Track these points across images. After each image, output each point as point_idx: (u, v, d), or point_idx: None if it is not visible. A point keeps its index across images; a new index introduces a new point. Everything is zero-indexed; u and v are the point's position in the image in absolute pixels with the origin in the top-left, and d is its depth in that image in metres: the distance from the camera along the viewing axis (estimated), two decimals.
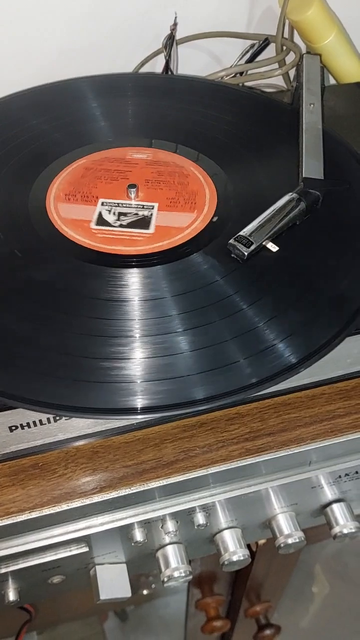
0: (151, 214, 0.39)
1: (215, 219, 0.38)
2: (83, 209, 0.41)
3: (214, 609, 0.68)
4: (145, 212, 0.40)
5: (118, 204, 0.41)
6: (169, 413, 0.29)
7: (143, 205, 0.40)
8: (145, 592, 0.76)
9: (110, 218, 0.39)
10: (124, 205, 0.40)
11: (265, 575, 0.63)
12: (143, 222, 0.39)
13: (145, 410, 0.29)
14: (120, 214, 0.40)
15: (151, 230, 0.39)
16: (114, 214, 0.40)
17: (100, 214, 0.40)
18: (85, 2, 0.58)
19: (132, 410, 0.29)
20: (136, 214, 0.39)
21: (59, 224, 0.39)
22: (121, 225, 0.39)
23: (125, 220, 0.39)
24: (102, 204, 0.41)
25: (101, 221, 0.39)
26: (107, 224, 0.39)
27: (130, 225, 0.39)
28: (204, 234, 0.38)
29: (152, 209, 0.40)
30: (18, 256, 0.36)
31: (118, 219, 0.39)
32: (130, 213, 0.40)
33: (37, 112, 0.49)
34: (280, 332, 0.33)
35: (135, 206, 0.40)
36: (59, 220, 0.39)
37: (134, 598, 0.81)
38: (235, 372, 0.31)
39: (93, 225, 0.39)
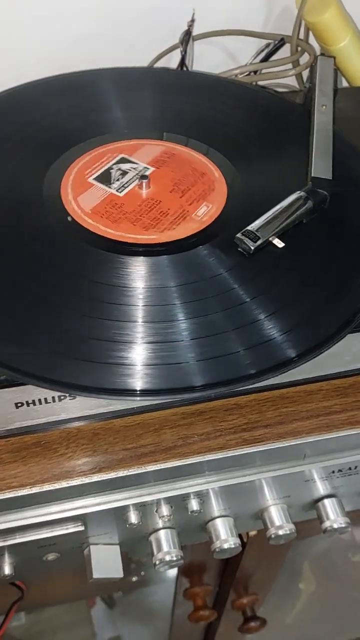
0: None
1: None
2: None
3: (201, 598, 0.69)
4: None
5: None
6: (167, 397, 0.30)
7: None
8: (134, 578, 0.77)
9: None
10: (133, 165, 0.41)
11: (254, 568, 0.64)
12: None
13: (145, 392, 0.30)
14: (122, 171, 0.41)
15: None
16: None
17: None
18: None
19: (132, 392, 0.30)
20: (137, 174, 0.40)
21: (79, 214, 0.40)
22: (119, 181, 0.39)
23: (125, 177, 0.40)
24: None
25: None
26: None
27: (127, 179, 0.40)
28: (210, 228, 0.39)
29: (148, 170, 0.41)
30: (29, 232, 0.37)
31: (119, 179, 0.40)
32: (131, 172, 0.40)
33: (56, 99, 0.50)
34: (280, 326, 0.34)
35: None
36: (78, 209, 0.40)
37: (123, 585, 0.82)
38: (235, 362, 0.32)
39: (91, 179, 0.40)
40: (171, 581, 0.76)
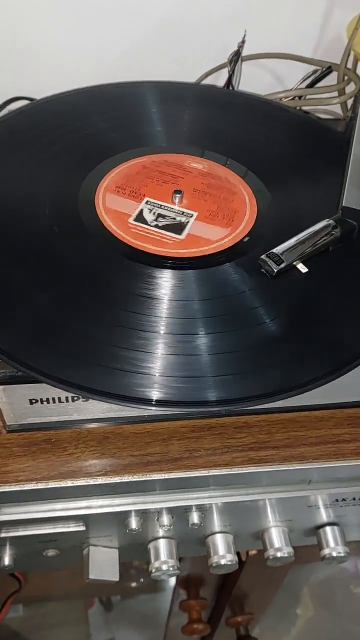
0: (187, 222, 0.41)
1: (246, 239, 0.40)
2: (128, 203, 0.42)
3: (196, 611, 0.69)
4: (183, 219, 0.41)
5: (161, 205, 0.43)
6: (180, 410, 0.31)
7: (183, 212, 0.42)
8: (133, 584, 0.78)
9: (149, 217, 0.41)
10: (166, 208, 0.42)
11: (251, 587, 0.64)
12: (177, 227, 0.41)
13: (159, 403, 0.31)
14: (159, 215, 0.41)
15: (182, 236, 0.40)
16: (153, 214, 0.42)
17: (141, 211, 0.42)
18: (160, 8, 0.60)
19: (147, 401, 0.31)
20: (174, 218, 0.41)
21: (101, 211, 0.41)
22: (156, 226, 0.40)
23: (162, 222, 0.41)
24: (146, 202, 0.43)
25: (140, 218, 0.41)
26: (144, 221, 0.41)
27: (165, 227, 0.41)
28: (231, 250, 0.40)
29: (191, 217, 0.42)
30: (56, 233, 0.38)
31: (155, 219, 0.41)
32: (168, 216, 0.41)
33: (101, 109, 0.51)
34: (296, 350, 0.34)
35: (176, 211, 0.42)
36: (103, 209, 0.41)
37: (121, 589, 0.82)
38: (249, 381, 0.32)
39: (131, 220, 0.41)
40: (169, 591, 0.76)
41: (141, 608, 0.89)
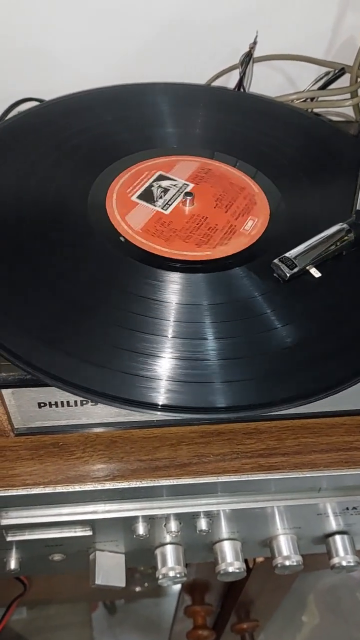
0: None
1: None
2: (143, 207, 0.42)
3: (202, 617, 0.69)
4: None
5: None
6: (187, 415, 0.30)
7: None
8: (137, 589, 0.77)
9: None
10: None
11: (257, 594, 0.63)
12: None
13: (165, 407, 0.30)
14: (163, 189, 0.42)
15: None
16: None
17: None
18: (170, 9, 0.59)
19: (153, 406, 0.31)
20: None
21: (131, 234, 0.41)
22: (162, 199, 0.40)
23: (167, 194, 0.41)
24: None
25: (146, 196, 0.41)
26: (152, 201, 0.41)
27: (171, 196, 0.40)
28: (250, 250, 0.39)
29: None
30: (68, 241, 0.38)
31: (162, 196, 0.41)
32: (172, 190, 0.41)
33: (111, 110, 0.51)
34: (308, 358, 0.33)
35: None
36: (128, 229, 0.41)
37: (126, 593, 0.82)
38: (258, 388, 0.32)
39: (134, 198, 0.41)
40: (174, 596, 0.75)
41: (145, 612, 0.88)
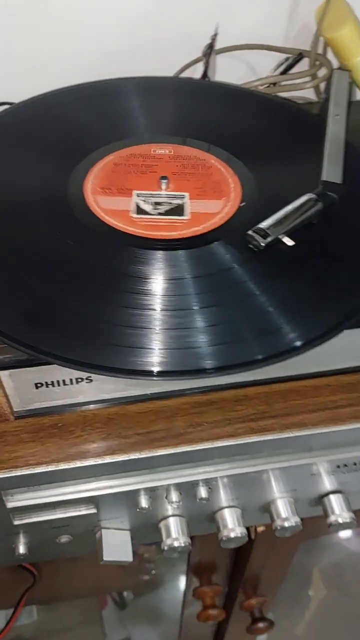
0: (184, 202, 0.43)
1: (243, 204, 0.41)
2: (120, 200, 0.44)
3: (210, 597, 0.70)
4: (179, 201, 0.43)
5: (152, 194, 0.44)
6: (180, 378, 0.32)
7: (175, 195, 0.43)
8: (145, 577, 0.79)
9: (147, 207, 0.42)
10: (157, 196, 0.44)
11: (261, 567, 0.65)
12: (178, 210, 0.42)
13: (161, 373, 0.32)
14: (155, 203, 0.43)
15: (187, 216, 0.42)
16: (150, 203, 0.43)
17: (137, 205, 0.43)
18: (135, 8, 0.61)
19: (149, 373, 0.32)
20: (170, 203, 0.43)
21: (102, 214, 0.42)
22: (159, 214, 0.42)
23: (162, 209, 0.42)
24: (137, 195, 0.44)
25: (140, 211, 0.42)
26: (146, 213, 0.42)
27: (168, 213, 0.42)
28: (234, 220, 0.41)
29: (184, 198, 0.43)
30: (70, 245, 0.39)
31: (155, 208, 0.42)
32: (164, 202, 0.43)
33: (81, 107, 0.52)
34: (287, 316, 0.35)
35: (167, 196, 0.43)
36: (101, 211, 0.42)
37: (134, 584, 0.83)
38: (243, 348, 0.34)
39: (133, 215, 0.42)
40: (180, 585, 0.77)
41: (154, 603, 0.90)
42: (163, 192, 0.44)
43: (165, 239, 0.40)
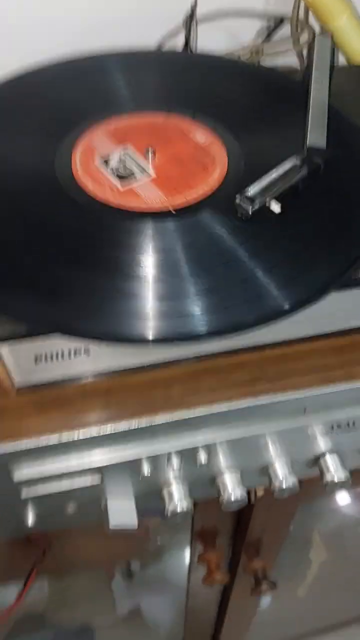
0: (140, 179, 0.43)
1: (174, 212, 0.41)
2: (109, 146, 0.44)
3: (214, 562, 0.72)
4: (138, 175, 0.43)
5: (132, 156, 0.44)
6: (174, 344, 0.33)
7: (145, 170, 0.44)
8: (151, 547, 0.81)
9: (113, 162, 0.43)
10: (134, 161, 0.44)
11: (262, 531, 0.67)
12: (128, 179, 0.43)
13: (156, 340, 0.33)
14: (124, 164, 0.43)
15: (122, 188, 0.42)
16: (120, 161, 0.43)
17: (110, 155, 0.43)
18: None
19: (144, 339, 0.33)
20: (132, 172, 0.43)
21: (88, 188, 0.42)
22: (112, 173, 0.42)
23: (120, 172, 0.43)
24: (124, 149, 0.44)
25: (105, 162, 0.43)
26: (106, 165, 0.43)
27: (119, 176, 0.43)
28: (222, 189, 0.42)
29: (148, 177, 0.43)
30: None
31: (117, 167, 0.43)
32: (129, 168, 0.43)
33: (64, 81, 0.52)
34: (276, 281, 0.36)
35: (140, 166, 0.44)
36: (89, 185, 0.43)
37: (140, 557, 0.85)
38: (235, 312, 0.35)
39: (97, 163, 0.42)
40: (185, 554, 0.79)
41: (161, 573, 0.92)
42: (142, 162, 0.44)
43: (157, 212, 0.41)
